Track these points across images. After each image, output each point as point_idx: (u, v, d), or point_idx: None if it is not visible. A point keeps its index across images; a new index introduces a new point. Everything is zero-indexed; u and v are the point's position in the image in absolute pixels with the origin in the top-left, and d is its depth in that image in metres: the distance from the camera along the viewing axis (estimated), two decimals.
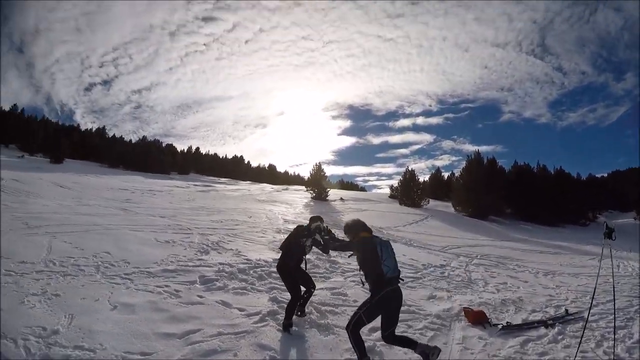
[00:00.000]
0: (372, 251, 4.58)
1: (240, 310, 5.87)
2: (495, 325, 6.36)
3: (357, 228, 4.98)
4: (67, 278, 6.34)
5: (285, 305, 5.71)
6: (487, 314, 6.71)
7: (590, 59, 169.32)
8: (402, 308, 5.53)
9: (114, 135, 71.84)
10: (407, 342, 4.66)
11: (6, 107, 65.73)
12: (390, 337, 4.56)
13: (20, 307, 5.06)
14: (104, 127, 73.90)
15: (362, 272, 4.78)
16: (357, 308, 4.65)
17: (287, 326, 5.39)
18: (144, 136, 65.29)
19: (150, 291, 6.18)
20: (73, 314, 5.02)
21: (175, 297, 6.09)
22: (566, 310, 7.33)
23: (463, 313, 6.76)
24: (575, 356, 5.17)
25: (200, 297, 6.22)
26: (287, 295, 5.95)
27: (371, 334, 5.47)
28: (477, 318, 6.46)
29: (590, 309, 6.08)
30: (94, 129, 73.32)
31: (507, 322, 6.50)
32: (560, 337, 6.05)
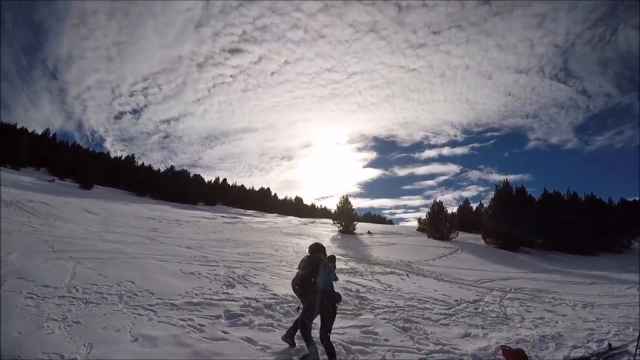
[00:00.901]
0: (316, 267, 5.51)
1: (266, 348, 5.56)
2: None
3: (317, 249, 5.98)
4: (89, 305, 6.15)
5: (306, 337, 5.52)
6: (527, 352, 6.30)
7: (614, 79, 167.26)
8: (436, 348, 6.34)
9: (142, 163, 72.42)
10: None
11: (39, 131, 68.24)
12: (324, 338, 5.35)
13: (39, 332, 4.89)
14: (133, 155, 74.15)
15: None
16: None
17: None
18: (172, 166, 65.58)
19: (174, 324, 5.93)
20: (92, 344, 4.80)
21: (199, 331, 5.81)
22: (609, 345, 6.92)
23: (501, 352, 6.33)
24: None
25: (225, 332, 5.92)
26: (315, 332, 5.75)
27: None
28: (516, 357, 6.06)
29: (638, 342, 5.54)
30: (123, 157, 74.43)
31: None
32: None
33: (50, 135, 69.05)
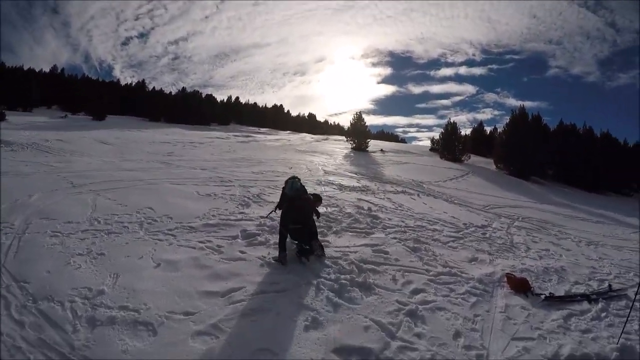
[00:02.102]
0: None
1: (282, 266, 5.79)
2: (538, 295, 6.08)
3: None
4: (111, 236, 6.41)
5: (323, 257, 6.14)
6: (530, 282, 6.42)
7: None
8: (444, 270, 6.51)
9: (153, 88, 71.71)
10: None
11: (46, 69, 67.32)
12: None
13: (66, 269, 5.13)
14: (143, 81, 73.67)
15: None
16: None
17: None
18: (183, 87, 64.76)
19: (193, 247, 6.19)
20: (118, 273, 5.06)
21: (218, 252, 6.07)
22: (610, 286, 6.94)
23: (506, 279, 6.46)
24: (620, 337, 4.84)
25: (242, 252, 6.17)
26: (330, 249, 6.52)
27: (413, 296, 5.41)
28: (520, 286, 6.19)
29: (638, 288, 5.58)
30: (133, 83, 73.79)
31: (550, 293, 6.18)
32: (603, 314, 5.69)
33: (58, 71, 68.16)
